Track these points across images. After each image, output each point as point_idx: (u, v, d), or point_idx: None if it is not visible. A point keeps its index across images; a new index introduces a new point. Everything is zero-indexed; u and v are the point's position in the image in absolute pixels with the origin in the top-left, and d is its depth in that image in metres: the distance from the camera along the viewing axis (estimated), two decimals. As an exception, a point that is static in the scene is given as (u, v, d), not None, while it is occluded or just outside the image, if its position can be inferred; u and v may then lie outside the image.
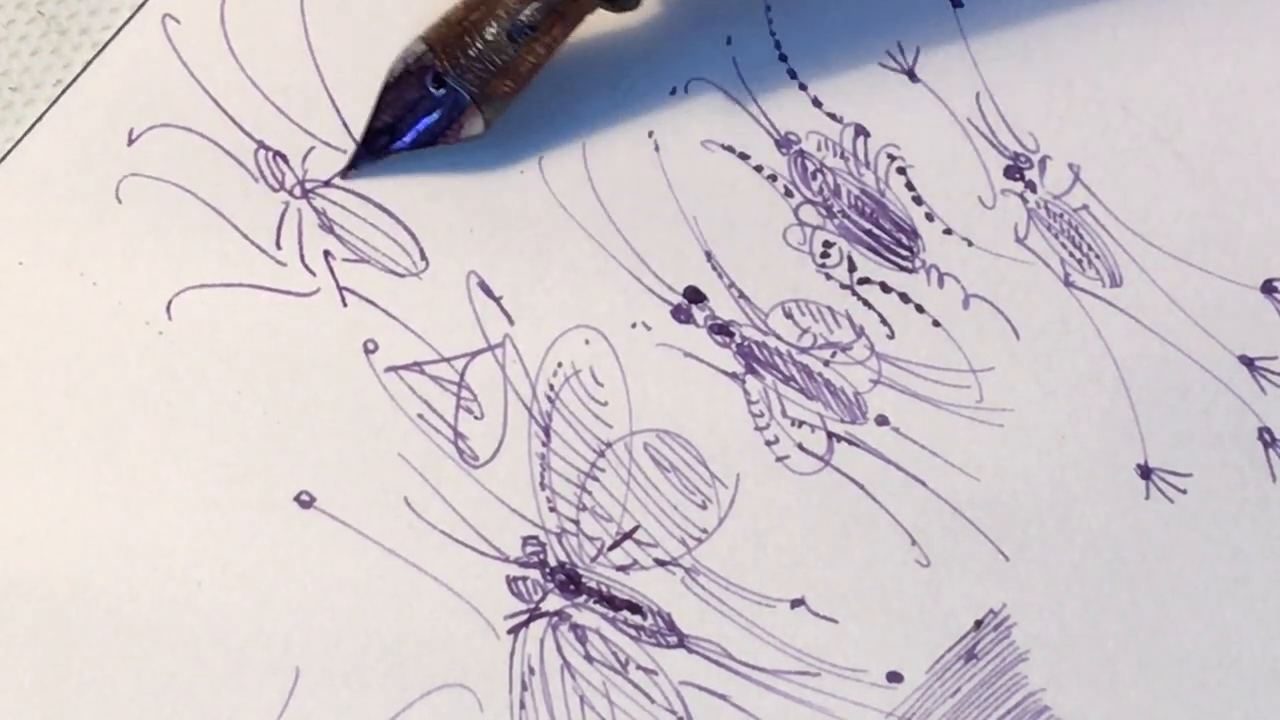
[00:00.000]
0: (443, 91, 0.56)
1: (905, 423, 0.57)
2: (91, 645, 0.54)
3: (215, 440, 0.55)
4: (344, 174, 0.57)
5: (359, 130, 0.57)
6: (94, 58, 0.57)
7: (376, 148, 0.56)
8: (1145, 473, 0.56)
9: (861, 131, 0.58)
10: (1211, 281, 0.58)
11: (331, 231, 0.57)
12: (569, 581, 0.55)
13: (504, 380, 0.56)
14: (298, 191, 0.57)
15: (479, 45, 0.55)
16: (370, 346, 0.56)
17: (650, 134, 0.58)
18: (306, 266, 0.56)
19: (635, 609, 0.55)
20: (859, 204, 0.58)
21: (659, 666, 0.55)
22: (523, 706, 0.54)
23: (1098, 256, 0.58)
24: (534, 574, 0.55)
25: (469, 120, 0.56)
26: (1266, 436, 0.57)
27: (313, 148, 0.57)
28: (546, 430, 0.56)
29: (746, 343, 0.57)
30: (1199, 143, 0.59)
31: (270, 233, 0.57)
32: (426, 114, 0.56)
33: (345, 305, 0.56)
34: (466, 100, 0.56)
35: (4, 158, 0.56)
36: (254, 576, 0.54)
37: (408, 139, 0.56)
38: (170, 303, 0.56)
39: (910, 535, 0.56)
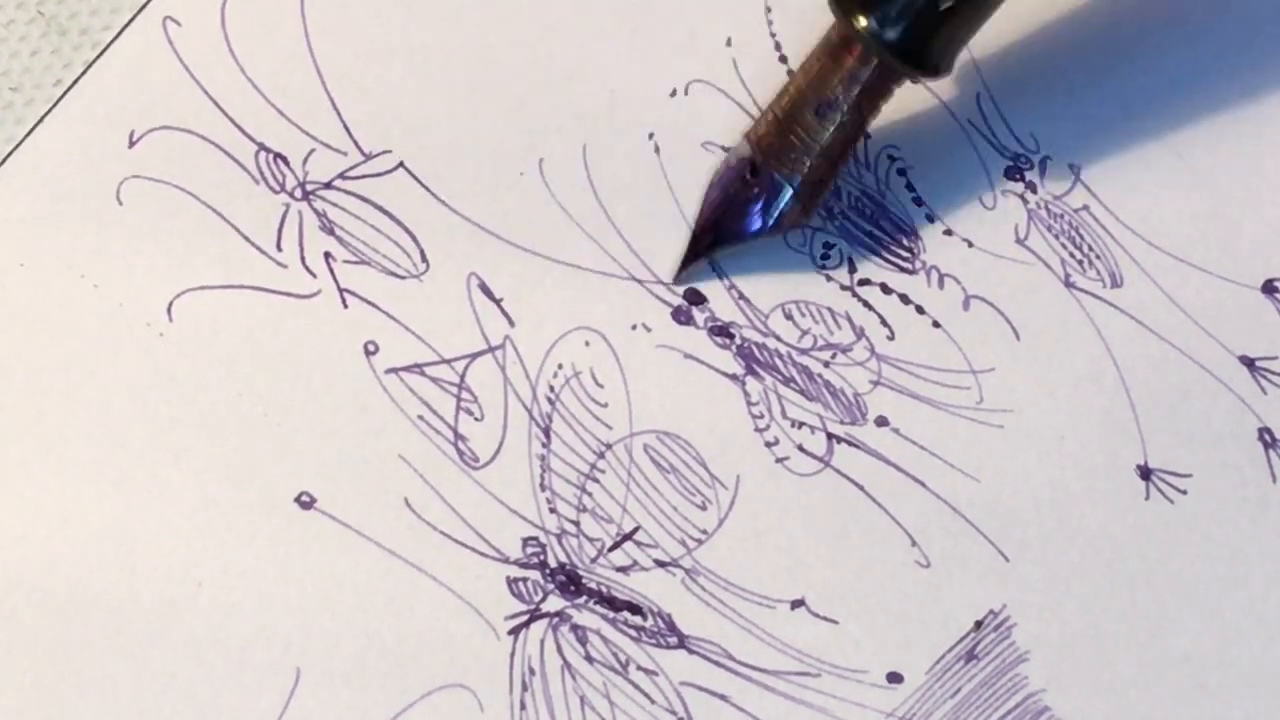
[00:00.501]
0: (763, 184, 0.55)
1: (905, 424, 0.57)
2: (91, 645, 0.54)
3: (216, 441, 0.55)
4: (676, 279, 0.57)
5: (348, 141, 0.57)
6: (95, 59, 0.57)
7: (702, 247, 0.56)
8: (1145, 473, 0.56)
9: (862, 132, 0.58)
10: (1211, 281, 0.58)
11: (332, 233, 0.57)
12: (569, 582, 0.55)
13: (504, 382, 0.56)
14: (298, 193, 0.57)
15: (803, 139, 0.55)
16: (371, 348, 0.56)
17: (650, 135, 0.58)
18: (307, 268, 0.57)
19: (635, 610, 0.55)
20: (859, 205, 0.58)
21: (659, 667, 0.55)
22: (523, 707, 0.54)
23: (1098, 257, 0.58)
24: (534, 575, 0.55)
25: (790, 211, 0.55)
26: (1266, 437, 0.57)
27: (313, 150, 0.57)
28: (546, 431, 0.56)
29: (746, 344, 0.57)
30: (1199, 143, 0.58)
31: (271, 234, 0.57)
32: (749, 207, 0.56)
33: (346, 307, 0.56)
34: (788, 191, 0.55)
35: (4, 159, 0.56)
36: (254, 577, 0.54)
37: (737, 237, 0.56)
38: (171, 304, 0.56)
39: (910, 536, 0.56)
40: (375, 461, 0.55)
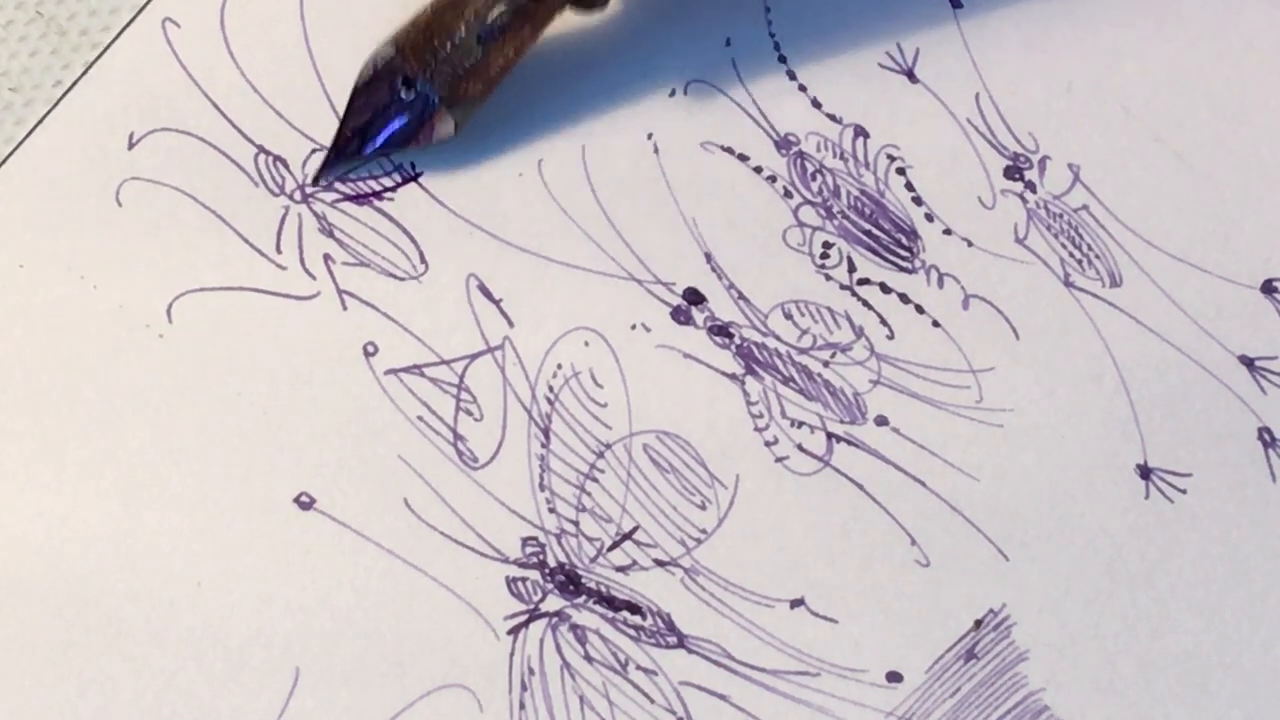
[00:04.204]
0: (412, 94, 0.56)
1: (905, 423, 0.57)
2: (91, 645, 0.54)
3: (215, 442, 0.55)
4: (315, 179, 0.57)
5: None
6: (94, 60, 0.57)
7: (348, 152, 0.57)
8: (1145, 473, 0.56)
9: (861, 132, 0.58)
10: (1211, 281, 0.58)
11: (331, 235, 0.57)
12: (568, 582, 0.55)
13: (503, 382, 0.56)
14: (298, 195, 0.57)
15: (448, 48, 0.55)
16: (370, 349, 0.56)
17: (649, 135, 0.58)
18: (307, 270, 0.57)
19: (635, 609, 0.55)
20: (858, 205, 0.58)
21: (659, 667, 0.55)
22: (522, 707, 0.54)
23: (1098, 257, 0.58)
24: (534, 575, 0.55)
25: (439, 123, 0.56)
26: (1266, 436, 0.57)
27: (313, 152, 0.57)
28: (546, 432, 0.56)
29: (746, 344, 0.57)
30: (1199, 143, 0.58)
31: (270, 236, 0.57)
32: (396, 117, 0.56)
33: (345, 308, 0.56)
34: (436, 103, 0.56)
35: (4, 160, 0.56)
36: (254, 577, 0.54)
37: (378, 142, 0.56)
38: (170, 306, 0.56)
39: (910, 535, 0.56)
40: (375, 462, 0.55)
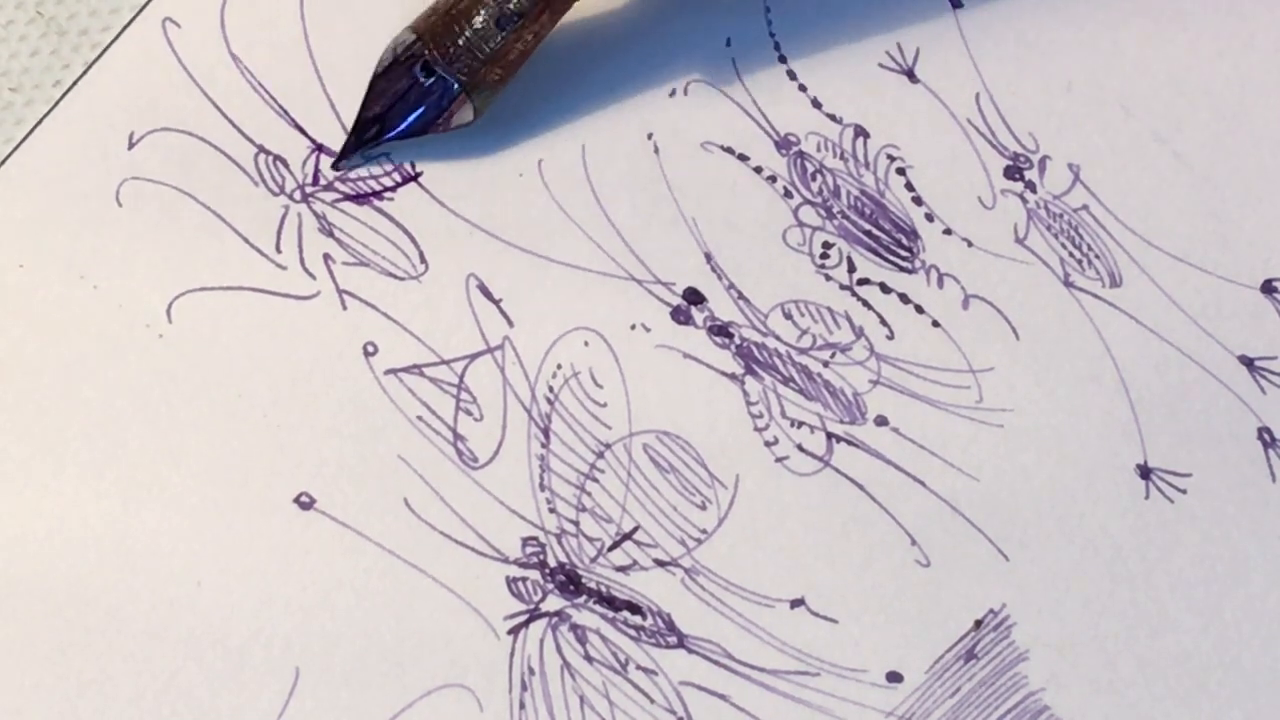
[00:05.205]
0: (432, 80, 0.56)
1: (905, 423, 0.57)
2: (91, 645, 0.54)
3: (215, 442, 0.55)
4: (335, 165, 0.57)
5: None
6: (94, 59, 0.57)
7: (367, 137, 0.57)
8: (1145, 473, 0.56)
9: (861, 132, 0.58)
10: (1211, 281, 0.58)
11: (331, 235, 0.57)
12: (569, 582, 0.55)
13: (503, 382, 0.56)
14: (298, 195, 0.57)
15: (467, 34, 0.55)
16: (370, 349, 0.56)
17: (650, 135, 0.58)
18: (306, 270, 0.57)
19: (635, 609, 0.55)
20: (858, 205, 0.58)
21: (659, 667, 0.55)
22: (522, 707, 0.54)
23: (1098, 257, 0.58)
24: (534, 574, 0.55)
25: (458, 109, 0.56)
26: (1266, 436, 0.57)
27: (313, 151, 0.57)
28: (546, 431, 0.56)
29: (746, 344, 0.57)
30: (1199, 143, 0.59)
31: (270, 236, 0.57)
32: (416, 103, 0.56)
33: (345, 308, 0.56)
34: (456, 89, 0.56)
35: (4, 160, 0.56)
36: (254, 577, 0.54)
37: (399, 128, 0.56)
38: (170, 305, 0.56)
39: (910, 535, 0.56)
40: (375, 462, 0.55)
